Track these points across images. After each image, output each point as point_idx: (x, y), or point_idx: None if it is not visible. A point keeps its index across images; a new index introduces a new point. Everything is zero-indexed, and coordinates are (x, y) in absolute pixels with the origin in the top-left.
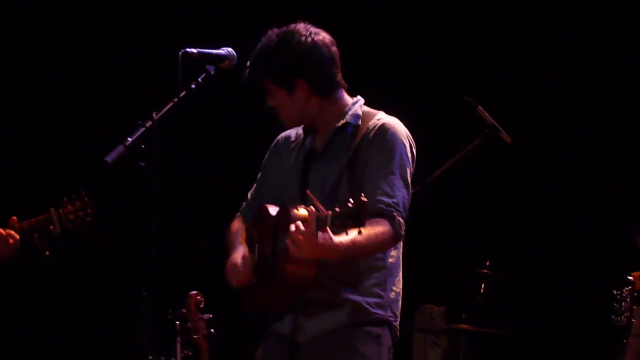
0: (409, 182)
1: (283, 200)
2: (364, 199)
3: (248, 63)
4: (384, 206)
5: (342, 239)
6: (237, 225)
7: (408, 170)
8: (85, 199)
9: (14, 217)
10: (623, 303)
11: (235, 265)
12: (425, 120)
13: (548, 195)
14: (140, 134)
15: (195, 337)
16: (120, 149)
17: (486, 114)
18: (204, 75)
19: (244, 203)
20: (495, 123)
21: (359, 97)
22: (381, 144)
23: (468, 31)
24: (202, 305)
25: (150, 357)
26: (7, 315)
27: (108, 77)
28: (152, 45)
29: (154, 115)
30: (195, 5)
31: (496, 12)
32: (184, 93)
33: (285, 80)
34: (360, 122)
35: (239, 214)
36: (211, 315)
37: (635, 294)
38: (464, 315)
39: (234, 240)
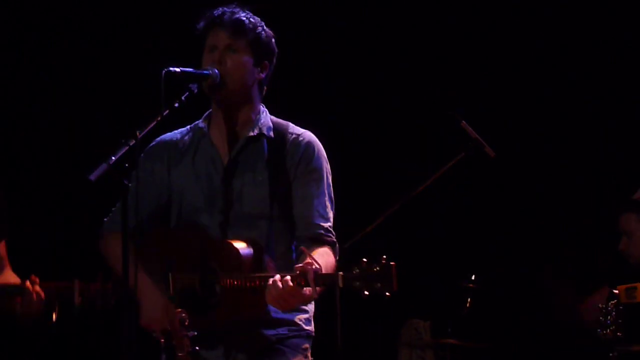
0: (333, 200)
1: (184, 210)
2: (392, 262)
3: (231, 11)
4: (323, 232)
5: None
6: (116, 240)
7: (332, 189)
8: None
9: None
10: (609, 316)
11: (159, 309)
12: (409, 134)
13: (532, 208)
14: (123, 153)
15: (179, 354)
16: (103, 167)
17: (470, 128)
18: (187, 94)
19: (115, 209)
20: (478, 137)
21: (263, 105)
22: (309, 163)
23: (452, 46)
24: (186, 323)
25: None
26: None
27: (91, 96)
28: (135, 64)
29: (137, 133)
30: (178, 24)
31: (480, 27)
32: (167, 112)
33: (260, 51)
34: (272, 134)
35: (107, 220)
36: (195, 333)
37: (621, 307)
38: (450, 330)
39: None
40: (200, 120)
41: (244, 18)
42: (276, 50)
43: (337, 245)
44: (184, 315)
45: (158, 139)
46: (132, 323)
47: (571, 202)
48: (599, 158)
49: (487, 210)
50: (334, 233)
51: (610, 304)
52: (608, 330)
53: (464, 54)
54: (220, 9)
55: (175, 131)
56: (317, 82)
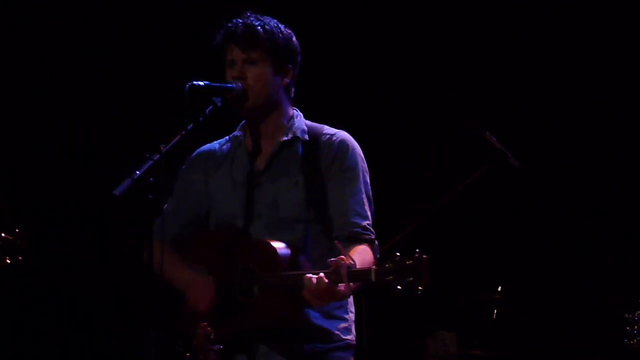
0: (372, 199)
1: (221, 217)
2: (425, 256)
3: (242, 20)
4: (360, 230)
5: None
6: (158, 248)
7: (369, 187)
8: (11, 237)
9: None
10: (635, 326)
11: (202, 288)
12: (432, 146)
13: (558, 219)
14: (148, 167)
15: None
16: (128, 182)
17: (494, 138)
18: (211, 107)
19: (158, 218)
20: (503, 148)
21: (297, 109)
22: (343, 162)
23: (476, 56)
24: (212, 337)
25: None
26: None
27: (115, 111)
28: (159, 78)
29: (161, 148)
30: (202, 37)
31: (504, 37)
32: (191, 125)
33: (280, 58)
34: (307, 137)
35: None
36: (221, 347)
37: None
38: (476, 341)
39: (172, 260)
40: (237, 130)
41: (258, 27)
42: (298, 49)
43: (377, 243)
44: (209, 329)
45: (198, 149)
46: (158, 339)
47: (597, 212)
48: (626, 168)
49: (512, 222)
50: (373, 231)
51: (636, 313)
52: (634, 341)
53: (488, 65)
54: (234, 21)
55: (215, 142)
56: (341, 91)
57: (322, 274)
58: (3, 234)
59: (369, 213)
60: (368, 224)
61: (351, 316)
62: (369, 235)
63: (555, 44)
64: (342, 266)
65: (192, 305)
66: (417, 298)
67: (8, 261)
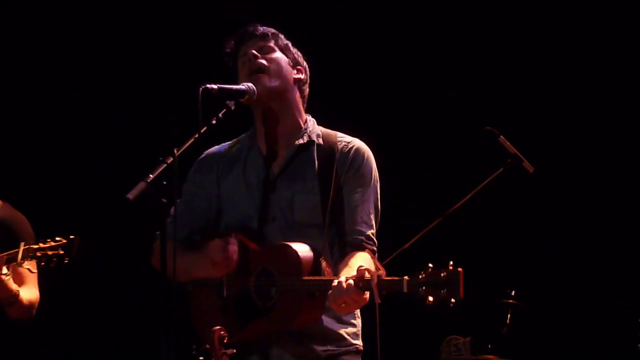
0: (379, 208)
1: (234, 219)
2: (460, 269)
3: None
4: (364, 238)
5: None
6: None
7: (379, 197)
8: (65, 241)
9: None
10: None
11: (227, 249)
12: (447, 150)
13: (572, 224)
14: (161, 171)
15: None
16: (141, 185)
17: (508, 143)
18: (224, 110)
19: (167, 219)
20: (517, 152)
21: (310, 115)
22: (359, 170)
23: (489, 61)
24: (225, 341)
25: None
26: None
27: (129, 114)
28: (172, 81)
29: (175, 151)
30: (215, 40)
31: (517, 42)
32: (204, 129)
33: (291, 56)
34: (322, 142)
35: (159, 233)
36: (235, 350)
37: None
38: (489, 346)
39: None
40: (248, 132)
41: (271, 29)
42: (307, 66)
43: (376, 255)
44: (222, 333)
45: (207, 151)
46: (171, 343)
47: (612, 217)
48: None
49: (526, 226)
50: (375, 241)
51: None
52: None
53: (501, 69)
54: (242, 28)
55: (223, 144)
56: (355, 97)
57: (351, 281)
58: (72, 236)
59: (374, 222)
60: (372, 233)
61: (359, 322)
62: (371, 245)
63: (573, 49)
64: (373, 275)
65: (214, 268)
66: (452, 311)
67: (66, 260)
